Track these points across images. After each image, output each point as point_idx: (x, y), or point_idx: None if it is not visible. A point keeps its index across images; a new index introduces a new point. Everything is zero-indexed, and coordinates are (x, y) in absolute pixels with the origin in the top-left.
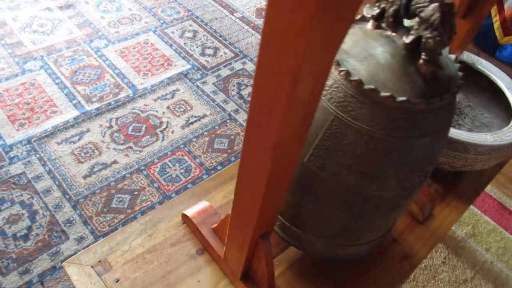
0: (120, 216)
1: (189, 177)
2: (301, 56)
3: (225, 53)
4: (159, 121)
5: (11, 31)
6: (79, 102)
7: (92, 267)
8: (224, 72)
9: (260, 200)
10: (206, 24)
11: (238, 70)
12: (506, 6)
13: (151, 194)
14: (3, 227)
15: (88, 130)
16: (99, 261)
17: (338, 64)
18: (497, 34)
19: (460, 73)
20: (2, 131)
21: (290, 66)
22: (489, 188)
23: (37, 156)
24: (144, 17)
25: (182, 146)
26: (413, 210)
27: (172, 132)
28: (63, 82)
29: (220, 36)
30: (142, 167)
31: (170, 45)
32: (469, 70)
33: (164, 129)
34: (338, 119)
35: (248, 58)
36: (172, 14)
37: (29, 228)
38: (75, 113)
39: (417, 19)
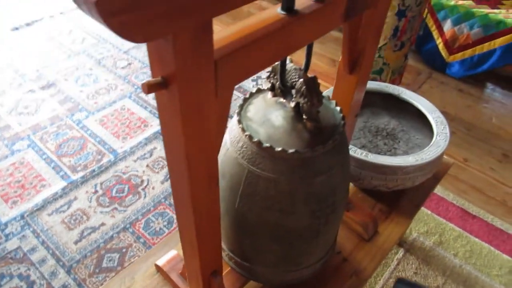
0: (111, 274)
1: (172, 228)
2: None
3: None
4: (140, 180)
5: None
6: (65, 173)
7: None
8: None
9: (195, 241)
10: None
11: None
12: (445, 29)
13: (138, 249)
14: None
15: (75, 198)
16: None
17: (243, 129)
18: (443, 54)
19: (343, 122)
20: None
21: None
22: (451, 197)
23: (31, 229)
24: (119, 85)
25: (163, 200)
26: (359, 231)
27: (153, 188)
28: (49, 157)
29: None
30: (128, 225)
31: (145, 107)
32: (397, 100)
33: (145, 186)
34: (250, 172)
35: None
36: (145, 79)
37: None
38: (63, 184)
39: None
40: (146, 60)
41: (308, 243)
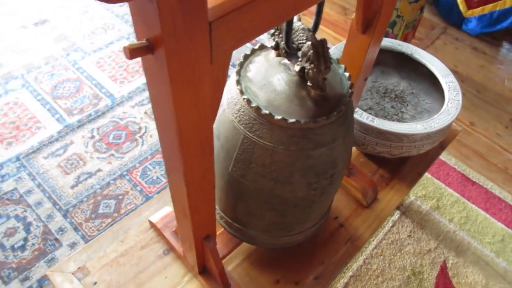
0: (107, 220)
1: None
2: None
3: None
4: (137, 127)
5: None
6: (61, 116)
7: (72, 273)
8: None
9: (188, 211)
10: None
11: None
12: None
13: (134, 197)
14: (1, 240)
15: (71, 142)
16: (79, 268)
17: (242, 92)
18: (461, 8)
19: (351, 91)
20: None
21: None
22: (453, 162)
23: (27, 171)
24: (116, 25)
25: (160, 148)
26: (357, 197)
27: (151, 136)
28: (44, 98)
29: None
30: (125, 173)
31: None
32: (409, 60)
33: (143, 134)
34: (247, 138)
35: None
36: None
37: (25, 239)
38: (58, 127)
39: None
40: None
41: (303, 212)
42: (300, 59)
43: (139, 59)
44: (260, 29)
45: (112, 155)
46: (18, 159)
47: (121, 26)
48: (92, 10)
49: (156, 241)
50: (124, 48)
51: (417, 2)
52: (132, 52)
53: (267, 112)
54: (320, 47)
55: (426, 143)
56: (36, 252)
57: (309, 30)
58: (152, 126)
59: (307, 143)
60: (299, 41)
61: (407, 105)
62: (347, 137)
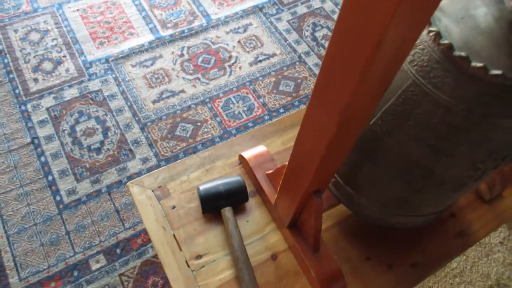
0: (182, 144)
1: (251, 115)
2: (390, 15)
3: None
4: (228, 55)
5: None
6: (154, 26)
7: (153, 191)
8: (301, 9)
9: (318, 160)
10: None
11: (315, 9)
12: None
13: (212, 127)
14: (80, 138)
15: (160, 56)
16: (159, 187)
17: (430, 22)
18: None
19: None
20: (84, 47)
21: (375, 26)
22: None
23: (113, 75)
24: None
25: (247, 83)
26: (480, 188)
27: (240, 68)
28: (141, 4)
29: None
30: (207, 100)
31: None
32: None
33: (233, 63)
34: (416, 85)
35: None
36: None
37: (102, 143)
38: (150, 37)
39: None
40: None
41: (443, 194)
42: None
43: None
44: None
45: (198, 78)
46: (107, 61)
47: None
48: None
49: (243, 179)
50: None
51: None
52: None
53: (462, 54)
54: None
55: None
56: (109, 158)
57: None
58: (243, 57)
59: (502, 108)
60: None
61: None
62: None
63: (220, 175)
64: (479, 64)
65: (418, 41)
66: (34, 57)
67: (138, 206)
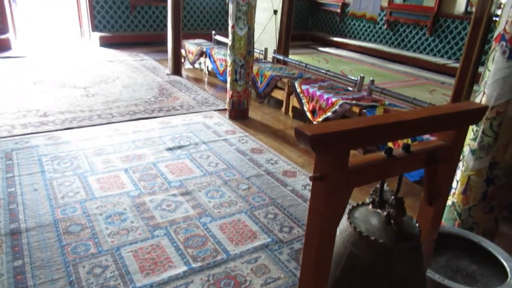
0: None
1: None
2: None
3: (298, 231)
4: (244, 279)
5: (148, 208)
6: (188, 260)
7: None
8: (297, 245)
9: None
10: (285, 209)
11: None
12: None
13: None
14: None
15: (192, 281)
16: None
17: (351, 223)
18: None
19: (419, 230)
20: (135, 277)
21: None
22: None
23: None
24: (239, 202)
25: None
26: None
27: None
28: (178, 246)
29: (295, 218)
30: None
31: (256, 223)
32: (479, 247)
33: (247, 286)
34: (352, 252)
35: None
36: (260, 201)
37: None
38: (184, 268)
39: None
40: (264, 187)
41: None
42: (387, 208)
43: (249, 227)
44: (372, 178)
45: None
46: (151, 286)
47: (242, 204)
48: (223, 190)
49: None
50: (310, 177)
51: (490, 213)
52: (313, 179)
53: (366, 234)
54: (400, 201)
55: None
56: None
57: (392, 191)
58: (255, 281)
59: (389, 257)
60: (387, 197)
61: (478, 283)
62: (418, 267)
63: None
64: (373, 238)
65: (349, 231)
66: (96, 285)
67: None
